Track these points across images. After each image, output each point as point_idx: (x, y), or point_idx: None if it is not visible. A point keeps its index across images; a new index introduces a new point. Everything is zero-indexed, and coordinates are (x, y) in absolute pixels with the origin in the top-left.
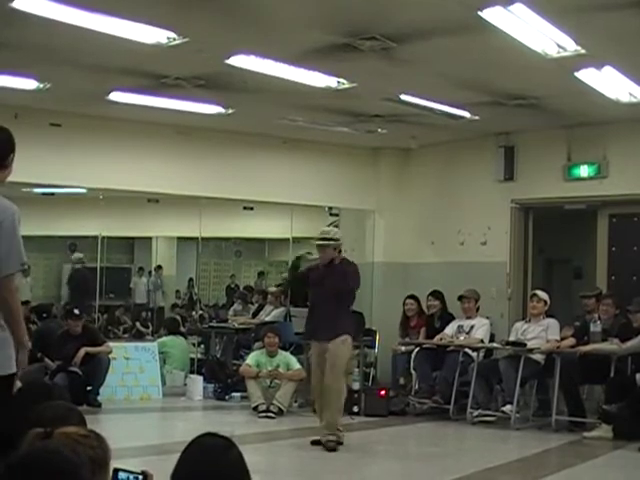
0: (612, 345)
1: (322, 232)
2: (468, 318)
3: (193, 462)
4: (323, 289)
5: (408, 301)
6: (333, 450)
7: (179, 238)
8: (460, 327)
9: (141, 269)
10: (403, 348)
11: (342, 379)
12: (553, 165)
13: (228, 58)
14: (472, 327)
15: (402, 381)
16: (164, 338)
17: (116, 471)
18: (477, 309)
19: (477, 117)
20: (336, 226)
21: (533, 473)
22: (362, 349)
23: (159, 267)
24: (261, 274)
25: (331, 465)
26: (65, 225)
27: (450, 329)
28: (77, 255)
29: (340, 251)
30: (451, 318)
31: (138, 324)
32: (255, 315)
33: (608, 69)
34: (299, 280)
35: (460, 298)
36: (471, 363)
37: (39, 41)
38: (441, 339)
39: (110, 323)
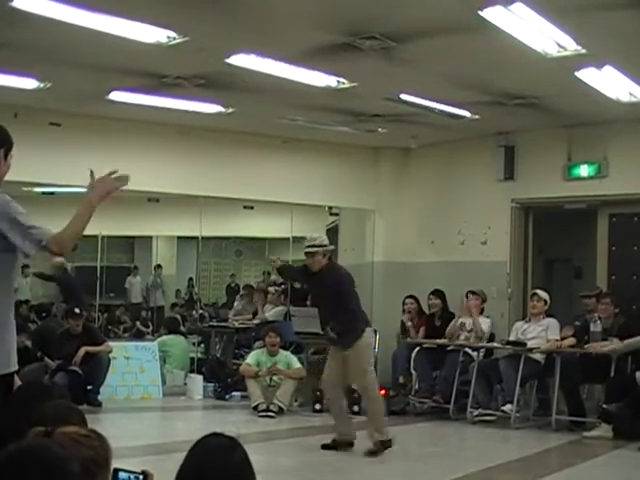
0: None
1: (309, 239)
2: (470, 316)
3: (198, 462)
4: (319, 296)
5: (407, 300)
6: (374, 454)
7: (179, 237)
8: (462, 325)
9: (135, 268)
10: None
11: (373, 379)
12: (553, 165)
13: (228, 57)
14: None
15: (401, 380)
16: (164, 337)
17: (116, 471)
18: (482, 311)
19: (477, 117)
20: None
21: (533, 472)
22: None
23: (159, 266)
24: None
25: (331, 465)
26: (65, 224)
27: (452, 327)
28: (59, 260)
29: (330, 257)
30: (452, 317)
31: (138, 323)
32: (255, 314)
33: (608, 69)
34: (288, 272)
35: (471, 293)
36: (471, 363)
37: (39, 40)
38: (449, 338)
39: (110, 322)
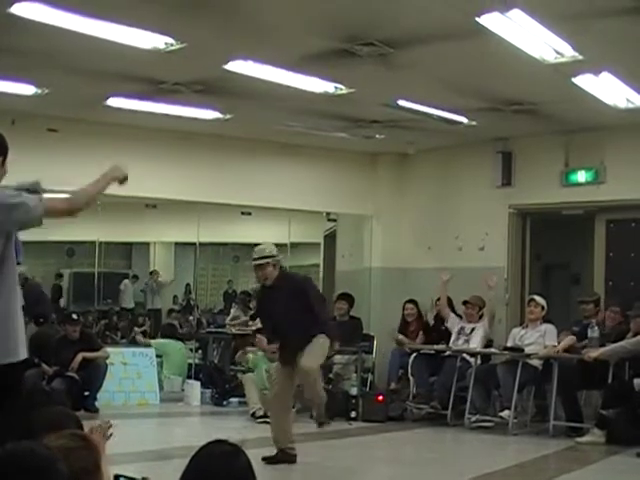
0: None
1: (257, 251)
2: (469, 322)
3: (201, 468)
4: (278, 309)
5: (408, 305)
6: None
7: (177, 243)
8: (461, 329)
9: (135, 277)
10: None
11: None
12: (551, 171)
13: (226, 64)
14: (473, 330)
15: (393, 385)
16: (161, 340)
17: (117, 477)
18: (481, 316)
19: (475, 123)
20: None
21: (531, 478)
22: (360, 354)
23: (154, 272)
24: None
25: (329, 470)
26: (63, 230)
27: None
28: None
29: (281, 267)
30: (458, 317)
31: (136, 329)
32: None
33: (605, 75)
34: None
35: (465, 303)
36: (469, 368)
37: (37, 47)
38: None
39: (108, 328)
